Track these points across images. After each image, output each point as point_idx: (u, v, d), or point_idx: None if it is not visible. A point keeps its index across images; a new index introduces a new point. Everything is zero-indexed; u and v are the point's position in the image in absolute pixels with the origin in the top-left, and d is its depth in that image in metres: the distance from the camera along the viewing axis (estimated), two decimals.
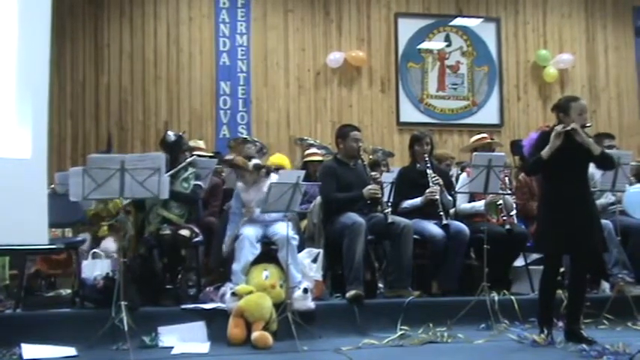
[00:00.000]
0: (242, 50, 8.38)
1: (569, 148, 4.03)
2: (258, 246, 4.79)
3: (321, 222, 5.19)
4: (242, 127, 8.25)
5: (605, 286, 5.28)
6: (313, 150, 6.94)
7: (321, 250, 4.96)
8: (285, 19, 8.57)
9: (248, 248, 4.70)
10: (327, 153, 7.02)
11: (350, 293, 4.71)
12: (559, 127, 4.08)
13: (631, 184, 5.22)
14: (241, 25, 8.40)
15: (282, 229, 4.67)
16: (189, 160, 5.03)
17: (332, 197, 5.11)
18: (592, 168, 4.68)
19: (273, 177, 4.98)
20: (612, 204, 5.42)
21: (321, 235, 5.18)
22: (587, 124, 4.16)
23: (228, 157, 5.47)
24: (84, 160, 4.54)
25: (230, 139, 7.76)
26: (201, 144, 6.81)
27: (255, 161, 5.03)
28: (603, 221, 4.58)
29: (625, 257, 5.21)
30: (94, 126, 8.02)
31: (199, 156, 5.70)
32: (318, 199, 5.28)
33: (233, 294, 4.41)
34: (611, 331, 4.63)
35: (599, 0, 9.36)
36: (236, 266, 4.69)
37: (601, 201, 5.33)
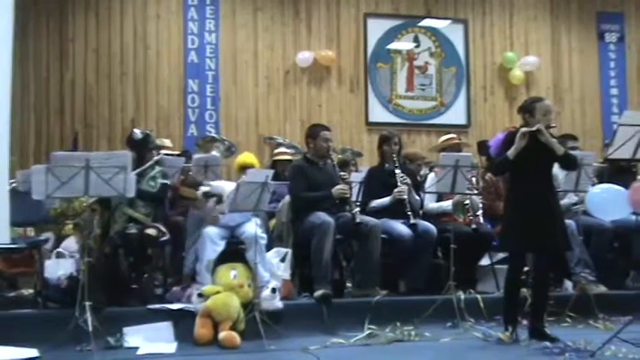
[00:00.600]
0: (211, 48, 8.31)
1: (534, 149, 4.10)
2: (222, 243, 4.75)
3: (289, 221, 5.19)
4: (210, 126, 8.19)
5: (568, 284, 5.39)
6: (282, 149, 6.93)
7: (289, 250, 4.96)
8: (254, 17, 8.53)
9: (210, 246, 4.67)
10: (296, 152, 7.02)
11: (318, 292, 4.72)
12: (524, 129, 4.15)
13: (593, 184, 5.32)
14: (210, 22, 8.34)
15: (251, 228, 4.65)
16: (156, 158, 4.98)
17: (301, 196, 5.11)
18: (556, 169, 4.77)
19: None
20: (575, 204, 5.53)
21: (289, 235, 5.18)
22: (552, 125, 4.23)
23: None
24: (47, 157, 4.45)
25: (198, 137, 7.70)
26: (167, 142, 6.75)
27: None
28: (566, 221, 4.67)
29: (587, 256, 5.32)
30: (59, 123, 7.88)
31: (166, 154, 5.65)
32: (287, 198, 5.26)
33: (200, 295, 4.38)
34: (574, 328, 4.72)
35: (564, 4, 9.53)
36: (200, 266, 4.67)
37: (564, 201, 5.42)
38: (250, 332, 4.28)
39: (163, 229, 4.89)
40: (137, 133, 5.04)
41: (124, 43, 8.11)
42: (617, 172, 5.57)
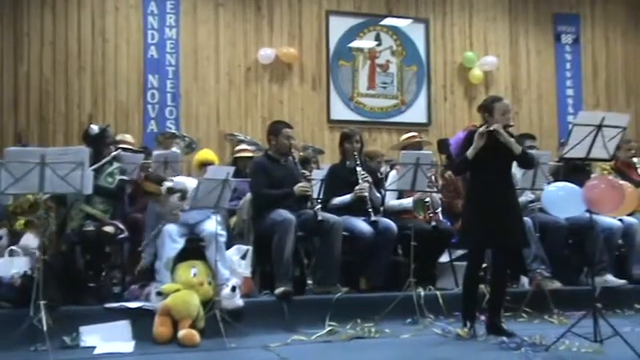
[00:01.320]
0: (171, 43, 8.20)
1: (493, 148, 4.17)
2: (181, 241, 4.70)
3: (250, 218, 5.17)
4: (171, 122, 8.08)
5: (525, 280, 5.49)
6: (243, 146, 6.89)
7: (250, 247, 4.94)
8: (215, 13, 8.45)
9: (169, 244, 4.62)
10: (257, 149, 6.99)
11: (279, 290, 4.71)
12: (482, 128, 4.22)
13: (549, 183, 5.43)
14: (170, 17, 8.23)
15: (210, 225, 4.61)
16: (114, 154, 4.90)
17: (262, 194, 5.09)
18: (514, 167, 4.86)
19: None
20: (532, 202, 5.64)
21: (250, 232, 5.15)
22: (510, 124, 4.31)
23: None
24: (1, 153, 4.33)
25: (158, 133, 7.60)
26: (129, 138, 6.64)
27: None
28: (524, 218, 4.75)
29: (543, 253, 5.43)
30: (13, 117, 7.67)
31: (125, 150, 5.56)
32: (248, 195, 5.25)
33: (159, 293, 4.32)
34: (530, 323, 4.82)
35: (521, 5, 9.69)
36: (159, 263, 4.61)
37: (521, 199, 5.52)
38: (210, 330, 4.25)
39: (122, 226, 4.81)
40: (94, 128, 4.94)
41: (82, 36, 7.94)
42: (572, 170, 5.69)
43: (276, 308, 4.66)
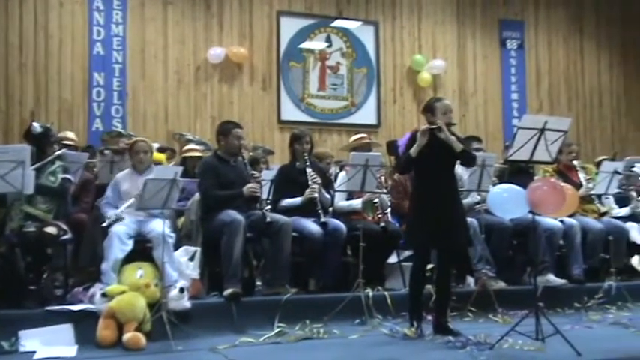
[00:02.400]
0: (118, 40, 8.04)
1: (436, 147, 4.24)
2: (130, 242, 4.62)
3: (199, 219, 5.11)
4: (117, 121, 7.92)
5: (470, 280, 5.59)
6: (192, 146, 6.81)
7: (198, 248, 4.88)
8: (164, 10, 8.33)
9: (117, 245, 4.52)
10: (206, 149, 6.92)
11: (227, 291, 4.67)
12: (424, 126, 4.29)
13: (494, 184, 5.55)
14: (117, 14, 8.06)
15: (158, 226, 4.53)
16: (57, 153, 4.77)
17: (211, 194, 5.04)
18: (461, 169, 4.95)
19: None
20: (477, 203, 5.75)
21: (198, 233, 5.10)
22: (452, 123, 4.38)
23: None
24: None
25: (104, 132, 7.44)
26: (71, 136, 6.48)
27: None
28: (469, 219, 4.85)
29: (488, 253, 5.54)
30: None
31: (69, 148, 5.43)
32: (197, 196, 5.19)
33: (103, 295, 4.23)
34: (475, 322, 4.91)
35: (469, 10, 9.89)
36: (105, 265, 4.50)
37: (467, 200, 5.63)
38: (157, 333, 4.18)
39: (65, 227, 4.68)
40: (36, 126, 4.79)
41: (24, 31, 7.71)
42: (516, 172, 5.82)
43: (225, 310, 4.61)
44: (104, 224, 4.65)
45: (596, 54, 10.58)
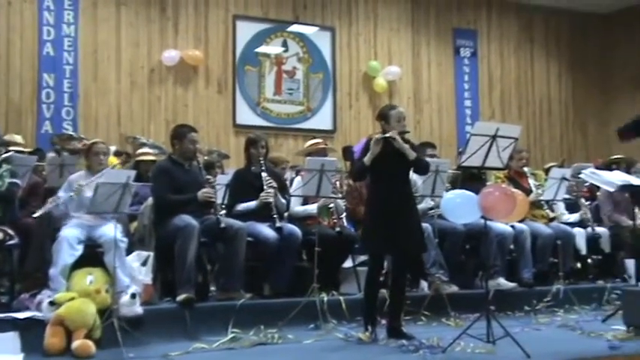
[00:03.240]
0: (69, 41, 7.87)
1: (390, 154, 4.28)
2: (80, 247, 4.51)
3: (152, 224, 5.03)
4: (67, 123, 7.75)
5: (424, 285, 5.65)
6: (146, 149, 6.71)
7: (151, 253, 4.80)
8: (117, 12, 8.20)
9: (67, 250, 4.41)
10: (160, 153, 6.82)
11: (180, 297, 4.60)
12: (378, 135, 4.33)
13: (447, 190, 5.64)
14: (68, 14, 7.89)
15: (110, 231, 4.44)
16: (4, 156, 4.63)
17: (165, 199, 4.97)
18: (415, 175, 5.00)
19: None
20: (431, 208, 5.82)
21: (151, 238, 5.01)
22: (406, 131, 4.43)
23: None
24: None
25: (53, 134, 7.26)
26: (18, 139, 6.30)
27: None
28: (423, 224, 4.91)
29: (441, 258, 5.62)
30: None
31: (17, 152, 5.28)
32: (150, 200, 5.11)
33: (51, 302, 4.11)
34: (428, 326, 4.96)
35: (423, 18, 10.04)
36: (54, 271, 4.38)
37: (421, 206, 5.69)
38: (107, 340, 4.08)
39: (11, 231, 4.55)
40: None
41: None
42: (469, 178, 5.93)
43: (178, 316, 4.55)
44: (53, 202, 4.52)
45: (545, 63, 10.86)
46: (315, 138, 7.08)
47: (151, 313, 4.47)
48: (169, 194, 4.97)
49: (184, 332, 4.47)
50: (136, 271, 4.63)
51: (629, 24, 10.88)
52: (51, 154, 5.93)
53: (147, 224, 5.05)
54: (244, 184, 5.45)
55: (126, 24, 8.23)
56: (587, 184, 6.80)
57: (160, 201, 4.99)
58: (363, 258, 5.46)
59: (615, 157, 8.07)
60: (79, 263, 4.46)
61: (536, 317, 5.43)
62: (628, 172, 6.68)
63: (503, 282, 5.70)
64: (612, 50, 11.13)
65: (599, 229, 6.73)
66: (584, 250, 6.60)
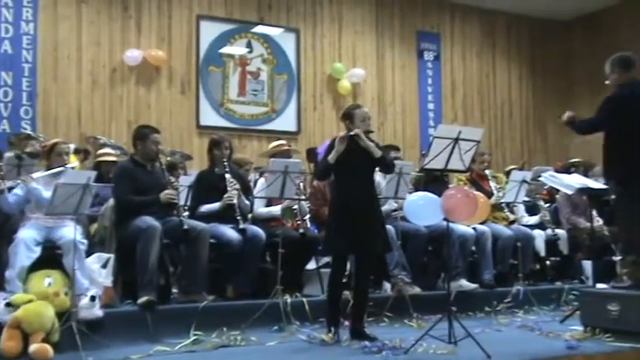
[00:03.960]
0: (28, 39, 7.69)
1: (355, 153, 4.30)
2: (37, 249, 4.41)
3: (113, 225, 4.96)
4: (26, 122, 7.57)
5: (387, 286, 5.69)
6: (107, 150, 6.60)
7: (111, 255, 4.73)
8: (78, 10, 8.05)
9: (24, 252, 4.31)
10: (121, 153, 6.73)
11: (142, 299, 4.55)
12: (343, 133, 4.34)
13: (411, 192, 5.68)
14: (27, 11, 7.72)
15: (69, 232, 4.36)
16: None
17: (126, 200, 4.90)
18: (379, 177, 5.03)
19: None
20: (395, 210, 5.86)
21: (112, 239, 4.95)
22: (371, 130, 4.46)
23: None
24: None
25: (11, 134, 7.09)
26: None
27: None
28: (387, 226, 4.93)
29: (404, 259, 5.66)
30: None
31: None
32: (111, 201, 5.04)
33: (8, 304, 4.02)
34: (391, 327, 5.00)
35: (387, 21, 10.11)
36: (10, 273, 4.28)
37: (385, 207, 5.72)
38: (66, 344, 4.01)
39: None
40: None
41: None
42: (431, 181, 5.99)
43: (139, 318, 4.49)
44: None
45: (507, 68, 11.05)
46: (279, 139, 7.08)
47: (111, 316, 4.41)
48: (131, 195, 4.91)
49: (146, 335, 4.42)
50: (96, 273, 4.56)
51: (587, 30, 11.15)
52: (8, 154, 5.78)
53: (108, 226, 4.99)
54: (207, 186, 5.41)
55: (87, 22, 8.09)
56: (546, 186, 6.93)
57: (122, 202, 4.92)
58: (326, 260, 5.47)
59: (574, 160, 8.26)
60: (38, 265, 4.37)
61: (496, 318, 5.51)
62: (586, 175, 6.84)
63: (464, 283, 5.77)
64: (571, 55, 11.40)
65: (558, 231, 6.88)
66: (543, 252, 6.74)
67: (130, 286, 4.84)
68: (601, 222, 6.75)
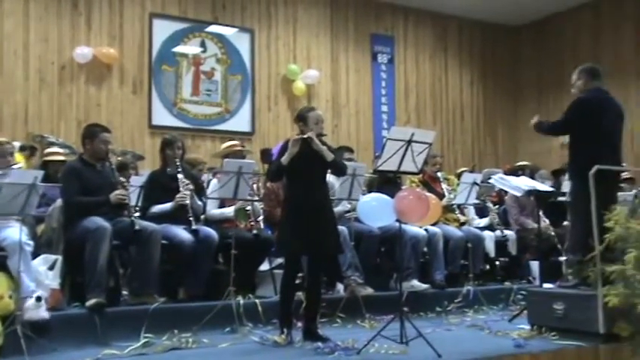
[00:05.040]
0: None
1: (308, 156, 4.31)
2: None
3: (60, 226, 4.84)
4: None
5: (340, 287, 5.71)
6: (55, 149, 6.45)
7: (59, 257, 4.62)
8: (25, 5, 7.82)
9: None
10: (70, 152, 6.58)
11: (90, 302, 4.45)
12: (296, 135, 4.35)
13: (364, 193, 5.72)
14: None
15: (14, 233, 4.24)
16: None
17: (74, 200, 4.80)
18: (332, 178, 5.05)
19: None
20: (348, 211, 5.90)
21: (60, 241, 4.83)
22: (324, 133, 4.48)
23: None
24: None
25: None
26: None
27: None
28: (339, 227, 4.96)
29: (357, 260, 5.70)
30: None
31: None
32: (59, 201, 4.92)
33: None
34: (344, 328, 5.02)
35: (342, 24, 10.15)
36: None
37: (338, 209, 5.76)
38: (10, 348, 3.90)
39: None
40: None
41: None
42: (385, 182, 6.05)
43: (87, 321, 4.40)
44: None
45: (458, 71, 11.24)
46: (232, 140, 7.03)
47: (58, 319, 4.31)
48: (79, 196, 4.80)
49: (94, 338, 4.33)
50: (43, 275, 4.45)
51: (535, 36, 11.44)
52: None
53: (55, 227, 4.87)
54: (159, 186, 5.34)
55: (34, 18, 7.87)
56: (496, 189, 7.08)
57: (70, 203, 4.82)
58: (279, 261, 5.46)
59: (521, 163, 8.46)
60: None
61: (447, 318, 5.61)
62: (532, 177, 7.02)
63: (416, 284, 5.85)
64: (520, 60, 11.68)
65: (507, 233, 7.03)
66: (492, 253, 6.88)
67: (79, 289, 4.73)
68: (548, 223, 6.94)
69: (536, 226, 6.17)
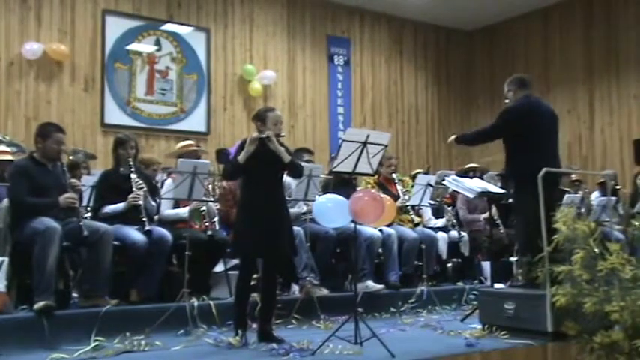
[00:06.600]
0: None
1: (265, 156, 4.29)
2: None
3: (7, 227, 4.70)
4: None
5: (295, 288, 5.71)
6: (2, 147, 6.26)
7: (6, 258, 4.49)
8: None
9: None
10: (18, 151, 6.40)
11: (38, 304, 4.33)
12: (254, 134, 4.33)
13: (320, 195, 5.73)
14: None
15: None
16: None
17: (23, 201, 4.66)
18: (289, 179, 5.05)
19: None
20: (304, 212, 5.90)
21: (7, 242, 4.69)
22: (282, 134, 4.47)
23: None
24: None
25: None
26: None
27: None
28: (295, 228, 4.96)
29: (313, 261, 5.71)
30: None
31: None
32: (5, 201, 4.78)
33: None
34: (299, 329, 5.02)
35: (299, 25, 10.17)
36: None
37: (294, 210, 5.76)
38: None
39: None
40: None
41: None
42: (340, 183, 6.07)
43: (35, 324, 4.28)
44: None
45: (414, 75, 11.38)
46: (187, 140, 6.95)
47: (4, 323, 4.20)
48: (28, 196, 4.67)
49: (42, 342, 4.22)
50: None
51: (488, 41, 11.69)
52: None
53: (2, 227, 4.72)
54: (112, 186, 5.24)
55: None
56: (450, 190, 7.19)
57: (18, 203, 4.69)
58: (234, 262, 5.43)
59: (470, 165, 8.61)
60: None
61: (401, 318, 5.66)
62: (481, 178, 7.15)
63: (371, 284, 5.89)
64: (473, 64, 11.90)
65: (464, 233, 7.15)
66: (445, 254, 6.99)
67: (26, 291, 4.60)
68: (499, 223, 7.08)
69: (485, 227, 6.28)
